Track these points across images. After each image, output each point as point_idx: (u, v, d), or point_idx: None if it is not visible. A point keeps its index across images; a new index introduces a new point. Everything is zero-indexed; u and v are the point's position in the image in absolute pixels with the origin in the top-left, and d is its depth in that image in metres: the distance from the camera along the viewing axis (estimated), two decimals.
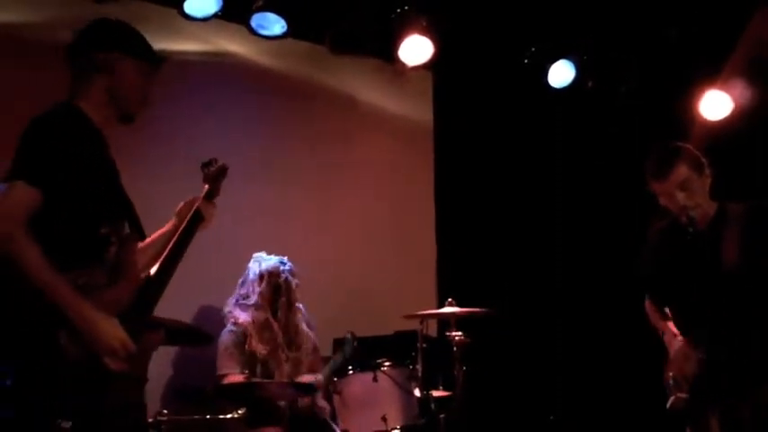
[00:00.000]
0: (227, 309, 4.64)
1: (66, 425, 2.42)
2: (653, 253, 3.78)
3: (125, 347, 2.53)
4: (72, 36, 2.83)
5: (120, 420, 2.58)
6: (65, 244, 2.55)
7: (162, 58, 2.92)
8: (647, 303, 3.85)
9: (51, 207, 2.51)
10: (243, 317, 4.55)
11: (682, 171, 3.51)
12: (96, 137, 2.73)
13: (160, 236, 3.11)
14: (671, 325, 3.71)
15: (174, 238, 3.04)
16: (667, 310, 3.76)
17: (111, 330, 2.51)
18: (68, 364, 2.46)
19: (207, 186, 3.31)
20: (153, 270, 2.92)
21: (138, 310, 2.70)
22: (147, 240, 3.01)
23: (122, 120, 2.86)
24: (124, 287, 2.67)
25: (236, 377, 4.36)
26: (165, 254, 2.98)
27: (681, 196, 3.51)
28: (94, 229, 2.62)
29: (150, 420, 3.73)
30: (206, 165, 3.36)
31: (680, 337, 3.62)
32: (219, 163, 3.36)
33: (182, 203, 3.26)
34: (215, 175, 3.34)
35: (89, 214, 2.61)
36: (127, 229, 2.75)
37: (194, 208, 3.17)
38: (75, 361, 2.47)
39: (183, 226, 3.10)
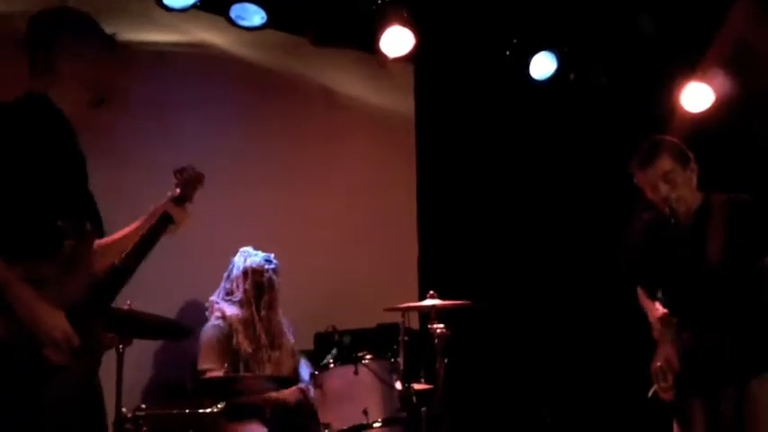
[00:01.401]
0: (212, 300, 4.61)
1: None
2: (638, 245, 3.79)
3: (68, 340, 2.44)
4: (29, 24, 2.77)
5: (63, 417, 2.49)
6: (17, 234, 2.48)
7: (116, 42, 2.84)
8: (639, 289, 3.86)
9: (3, 195, 2.45)
10: (230, 311, 4.53)
11: (665, 162, 3.54)
12: (62, 128, 2.67)
13: (122, 237, 2.99)
14: (657, 305, 3.71)
15: (139, 239, 2.91)
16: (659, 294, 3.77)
17: (53, 321, 2.43)
18: (2, 351, 2.38)
19: (178, 191, 3.14)
20: (112, 267, 2.82)
21: (91, 306, 2.61)
22: (108, 240, 2.91)
23: (94, 104, 2.78)
24: (76, 282, 2.59)
25: (216, 374, 4.33)
26: (127, 252, 2.86)
27: (664, 188, 3.53)
28: (50, 222, 2.54)
29: (129, 415, 3.69)
30: (178, 171, 3.20)
31: (660, 310, 3.62)
32: (195, 170, 3.21)
33: (152, 207, 3.10)
34: (188, 182, 3.18)
35: (44, 206, 2.54)
36: (87, 226, 2.67)
37: (163, 211, 3.03)
38: (9, 349, 2.39)
39: (149, 227, 2.97)
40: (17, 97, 2.63)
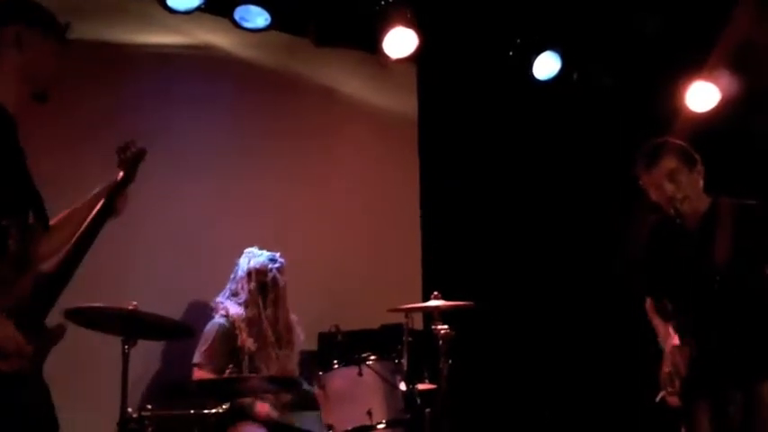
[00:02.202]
0: (217, 300, 4.65)
1: None
2: (645, 250, 3.77)
3: (19, 349, 2.40)
4: None
5: (9, 423, 2.44)
6: None
7: (65, 32, 2.74)
8: (647, 301, 3.84)
9: None
10: (234, 310, 4.55)
11: (670, 162, 3.51)
12: (3, 121, 2.58)
13: (74, 211, 2.91)
14: (668, 325, 3.69)
15: (81, 230, 2.82)
16: (669, 307, 3.75)
17: (3, 332, 2.38)
18: None
19: (122, 173, 3.03)
20: (55, 262, 2.76)
21: (40, 303, 2.56)
22: (60, 217, 2.85)
23: (36, 98, 2.69)
24: (25, 280, 2.53)
25: (204, 373, 4.37)
26: (69, 246, 2.78)
27: (669, 187, 3.50)
28: None
29: (134, 415, 3.71)
30: (122, 149, 3.07)
31: (674, 337, 3.61)
32: (137, 147, 3.09)
33: (97, 188, 2.99)
34: (132, 160, 3.07)
35: None
36: (30, 218, 2.60)
37: (105, 197, 2.93)
38: None
39: (91, 217, 2.87)
40: None
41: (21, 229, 2.55)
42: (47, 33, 2.69)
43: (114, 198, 2.93)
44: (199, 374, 4.40)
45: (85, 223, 2.84)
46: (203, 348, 4.45)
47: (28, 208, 2.61)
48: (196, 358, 4.44)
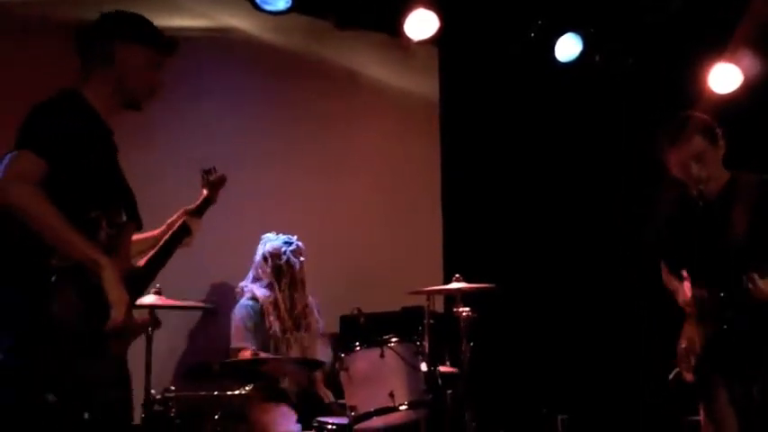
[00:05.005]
0: (241, 285, 4.71)
1: (52, 398, 2.39)
2: (664, 224, 3.77)
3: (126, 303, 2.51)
4: (81, 26, 2.82)
5: (110, 393, 2.55)
6: None
7: (170, 45, 2.88)
8: (663, 269, 3.83)
9: (46, 184, 2.48)
10: (260, 292, 4.63)
11: (698, 142, 3.51)
12: (97, 123, 2.71)
13: (144, 239, 3.10)
14: (686, 285, 3.67)
15: (156, 249, 3.04)
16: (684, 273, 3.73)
17: (125, 292, 2.52)
18: (60, 330, 2.43)
19: (205, 192, 3.39)
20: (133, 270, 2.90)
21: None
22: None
23: (127, 107, 2.83)
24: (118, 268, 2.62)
25: (248, 353, 4.42)
26: (144, 261, 2.97)
27: (696, 168, 3.50)
28: (83, 212, 2.57)
29: (158, 397, 3.75)
30: (206, 172, 3.44)
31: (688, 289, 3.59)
32: (219, 172, 3.45)
33: (176, 215, 3.28)
34: (215, 183, 3.42)
35: (79, 196, 2.57)
36: (123, 217, 2.72)
37: (182, 221, 3.19)
38: (66, 328, 2.45)
39: (166, 237, 3.10)
40: (57, 93, 2.68)
41: (111, 223, 2.67)
42: (144, 47, 2.81)
43: (190, 222, 3.20)
44: (244, 355, 4.42)
45: (160, 244, 3.08)
46: (239, 332, 4.53)
47: (119, 205, 2.73)
48: (235, 343, 4.52)
